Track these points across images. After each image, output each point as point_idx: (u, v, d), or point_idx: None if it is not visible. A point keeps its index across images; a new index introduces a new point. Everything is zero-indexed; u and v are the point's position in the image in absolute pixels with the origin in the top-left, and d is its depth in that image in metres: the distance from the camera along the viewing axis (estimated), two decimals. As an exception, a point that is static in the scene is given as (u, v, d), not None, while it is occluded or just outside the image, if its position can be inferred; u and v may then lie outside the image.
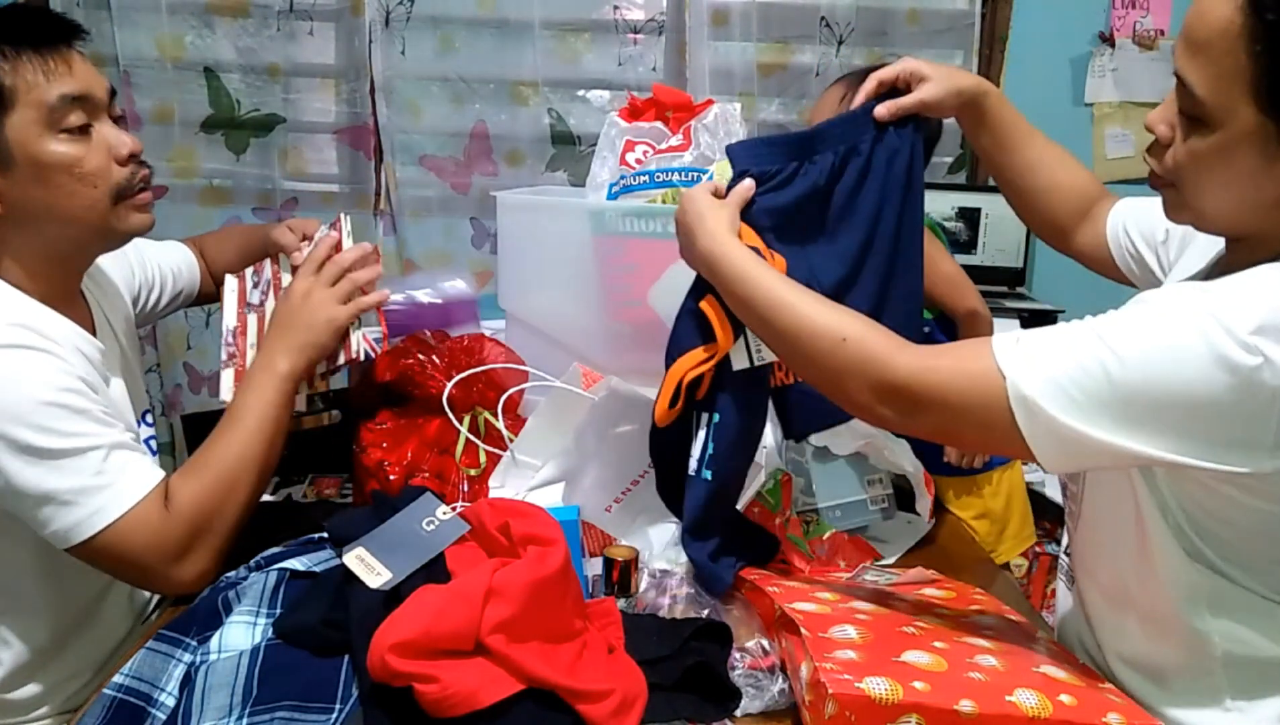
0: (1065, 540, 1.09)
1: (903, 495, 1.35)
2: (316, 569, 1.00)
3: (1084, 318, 0.82)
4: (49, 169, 1.06)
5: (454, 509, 0.98)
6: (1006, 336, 0.84)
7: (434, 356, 1.31)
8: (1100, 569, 0.99)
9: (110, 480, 1.02)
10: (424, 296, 1.53)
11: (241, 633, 0.91)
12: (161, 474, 1.07)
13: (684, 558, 1.11)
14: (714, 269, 0.99)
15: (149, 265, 1.39)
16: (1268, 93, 0.75)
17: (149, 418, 1.31)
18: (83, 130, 1.08)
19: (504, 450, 1.26)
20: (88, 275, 1.23)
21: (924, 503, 1.32)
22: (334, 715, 0.82)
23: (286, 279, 1.29)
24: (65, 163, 1.07)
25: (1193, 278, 0.97)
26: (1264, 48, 0.74)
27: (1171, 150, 0.84)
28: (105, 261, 1.27)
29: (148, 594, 1.29)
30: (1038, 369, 0.79)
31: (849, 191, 1.10)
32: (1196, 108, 0.79)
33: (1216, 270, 0.93)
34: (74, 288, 1.19)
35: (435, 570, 0.90)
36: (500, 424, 1.28)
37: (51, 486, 1.00)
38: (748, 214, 1.05)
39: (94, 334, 1.18)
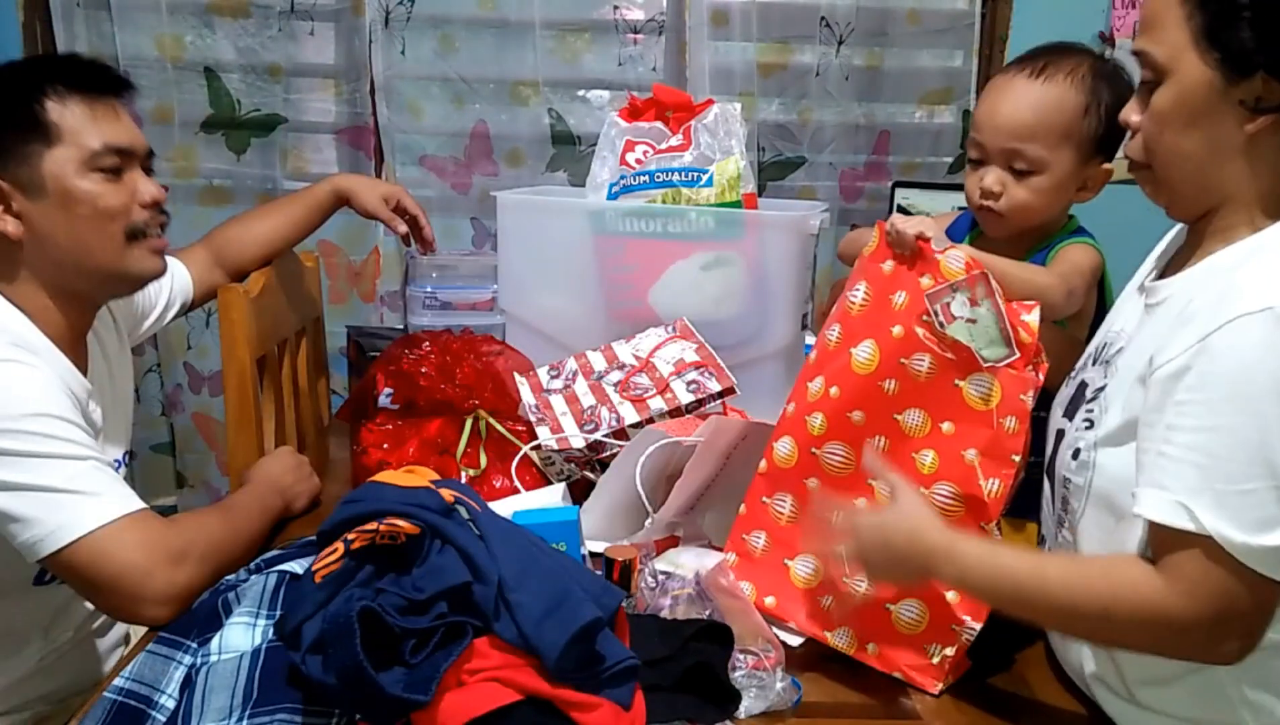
0: None
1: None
2: (316, 570, 0.99)
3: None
4: (75, 201, 1.11)
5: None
6: (1153, 497, 0.81)
7: (434, 356, 1.31)
8: None
9: (84, 495, 1.00)
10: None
11: (241, 634, 0.91)
12: (141, 505, 1.04)
13: (685, 559, 1.11)
14: (940, 572, 0.90)
15: (149, 290, 1.36)
16: (1200, 32, 0.84)
17: (128, 459, 1.31)
18: (115, 172, 1.13)
19: (504, 450, 1.26)
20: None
21: None
22: (334, 717, 0.82)
23: (597, 362, 1.41)
24: (90, 196, 1.12)
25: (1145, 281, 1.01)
26: None
27: (1141, 130, 0.92)
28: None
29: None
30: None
31: None
32: (1155, 72, 0.88)
33: (1178, 265, 0.95)
34: (82, 330, 1.21)
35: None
36: (500, 425, 1.28)
37: (27, 487, 0.98)
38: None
39: (85, 373, 1.19)
